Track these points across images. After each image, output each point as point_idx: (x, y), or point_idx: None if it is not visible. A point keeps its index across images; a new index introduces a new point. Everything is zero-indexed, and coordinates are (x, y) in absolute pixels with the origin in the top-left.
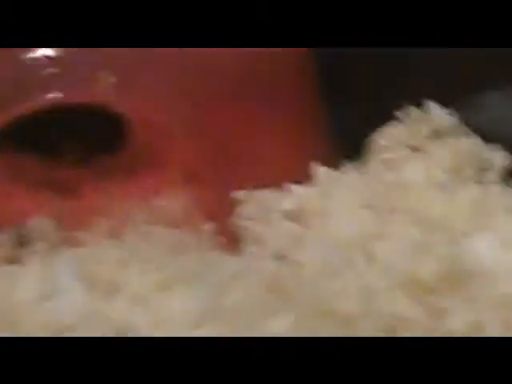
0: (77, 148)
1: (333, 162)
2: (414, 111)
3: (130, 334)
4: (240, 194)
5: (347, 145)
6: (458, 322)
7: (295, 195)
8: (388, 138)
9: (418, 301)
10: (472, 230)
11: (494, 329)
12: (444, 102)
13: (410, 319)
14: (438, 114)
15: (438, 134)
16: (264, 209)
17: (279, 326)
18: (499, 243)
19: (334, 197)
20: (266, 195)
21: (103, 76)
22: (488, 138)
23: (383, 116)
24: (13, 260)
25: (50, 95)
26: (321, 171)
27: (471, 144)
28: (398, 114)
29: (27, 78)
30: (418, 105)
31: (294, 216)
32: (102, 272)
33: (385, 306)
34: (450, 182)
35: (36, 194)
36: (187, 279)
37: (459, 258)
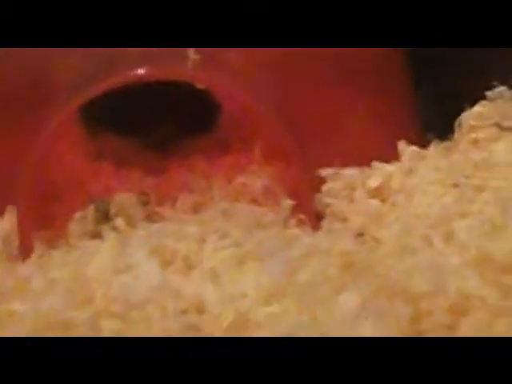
0: (164, 126)
1: (421, 141)
2: (503, 91)
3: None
4: (325, 172)
5: (436, 124)
6: None
7: (380, 173)
8: (477, 118)
9: (491, 280)
10: None
11: None
12: None
13: (481, 298)
14: None
15: None
16: (348, 186)
17: (347, 304)
18: None
19: (419, 175)
20: (352, 173)
21: (190, 53)
22: None
23: (473, 95)
24: (95, 235)
25: (137, 71)
26: (408, 150)
27: None
28: (488, 93)
29: (114, 55)
30: (509, 85)
31: (378, 194)
32: (178, 247)
33: (456, 285)
34: None
35: (122, 170)
36: (262, 256)
37: None
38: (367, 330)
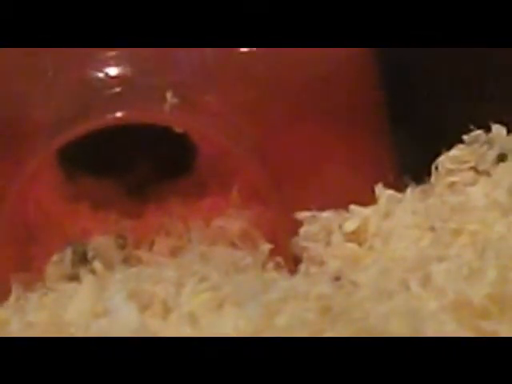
0: (141, 168)
1: (397, 185)
2: (480, 135)
3: None
4: (302, 215)
5: (413, 167)
6: None
7: (357, 216)
8: (454, 162)
9: (468, 324)
10: None
11: None
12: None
13: None
14: (504, 138)
15: (503, 158)
16: (325, 230)
17: None
18: None
19: (396, 219)
20: (329, 216)
21: (167, 96)
22: None
23: (450, 139)
24: (73, 277)
25: (114, 115)
26: (385, 193)
27: None
28: (464, 137)
29: (91, 98)
30: (485, 128)
31: (355, 237)
32: (156, 291)
33: (433, 329)
34: None
35: (99, 213)
36: (240, 299)
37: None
38: None
